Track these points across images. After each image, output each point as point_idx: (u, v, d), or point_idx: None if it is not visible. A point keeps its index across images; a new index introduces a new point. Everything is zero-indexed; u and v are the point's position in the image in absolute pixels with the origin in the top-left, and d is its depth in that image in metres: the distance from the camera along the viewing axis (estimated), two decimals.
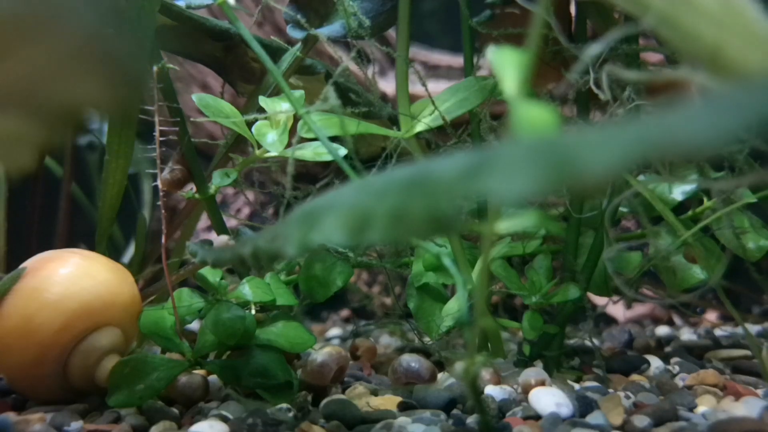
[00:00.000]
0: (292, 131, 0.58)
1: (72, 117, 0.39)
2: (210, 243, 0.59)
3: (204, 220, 0.90)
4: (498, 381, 0.59)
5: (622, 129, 0.23)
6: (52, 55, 0.35)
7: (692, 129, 0.20)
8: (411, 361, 0.59)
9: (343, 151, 0.56)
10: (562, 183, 0.21)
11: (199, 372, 0.57)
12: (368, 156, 0.74)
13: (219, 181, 0.61)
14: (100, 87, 0.38)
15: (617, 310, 0.94)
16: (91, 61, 0.37)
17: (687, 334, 0.86)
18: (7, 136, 0.38)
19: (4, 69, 0.34)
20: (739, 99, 0.21)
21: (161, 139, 0.59)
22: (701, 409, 0.52)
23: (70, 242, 0.74)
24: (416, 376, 0.59)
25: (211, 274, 0.59)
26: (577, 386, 0.58)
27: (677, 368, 0.66)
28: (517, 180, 0.22)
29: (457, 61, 1.03)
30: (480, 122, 0.64)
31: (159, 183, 0.61)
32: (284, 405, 0.53)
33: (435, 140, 0.68)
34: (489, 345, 0.65)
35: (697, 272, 0.66)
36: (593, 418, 0.49)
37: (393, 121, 0.69)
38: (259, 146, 0.59)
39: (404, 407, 0.54)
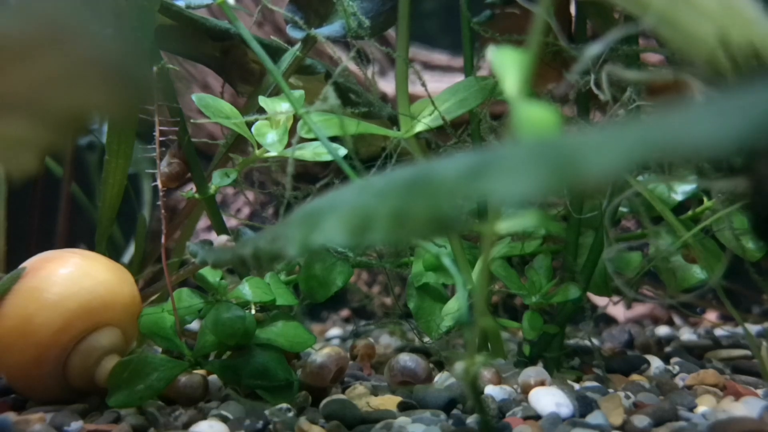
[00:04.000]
0: (292, 131, 0.58)
1: (76, 122, 0.39)
2: (210, 243, 0.59)
3: (204, 220, 0.90)
4: (498, 381, 0.59)
5: (624, 131, 0.23)
6: (57, 64, 0.35)
7: (696, 132, 0.20)
8: (407, 360, 0.59)
9: (342, 151, 0.56)
10: (565, 185, 0.21)
11: (199, 372, 0.57)
12: (368, 156, 0.74)
13: (219, 181, 0.61)
14: (104, 93, 0.38)
15: (617, 310, 0.94)
16: (95, 68, 0.37)
17: (687, 334, 0.86)
18: (11, 140, 0.38)
19: (10, 77, 0.35)
20: (743, 101, 0.21)
21: (161, 139, 0.59)
22: (701, 409, 0.52)
23: (70, 242, 0.74)
24: (412, 375, 0.59)
25: (211, 274, 0.59)
26: (577, 386, 0.58)
27: (677, 368, 0.66)
28: (520, 183, 0.22)
29: (457, 61, 1.03)
30: (480, 122, 0.64)
31: (158, 181, 0.61)
32: (284, 405, 0.53)
33: (435, 140, 0.68)
34: (489, 345, 0.65)
35: (697, 272, 0.66)
36: (593, 418, 0.49)
37: (393, 121, 0.69)
38: (259, 146, 0.59)
39: (404, 407, 0.54)
